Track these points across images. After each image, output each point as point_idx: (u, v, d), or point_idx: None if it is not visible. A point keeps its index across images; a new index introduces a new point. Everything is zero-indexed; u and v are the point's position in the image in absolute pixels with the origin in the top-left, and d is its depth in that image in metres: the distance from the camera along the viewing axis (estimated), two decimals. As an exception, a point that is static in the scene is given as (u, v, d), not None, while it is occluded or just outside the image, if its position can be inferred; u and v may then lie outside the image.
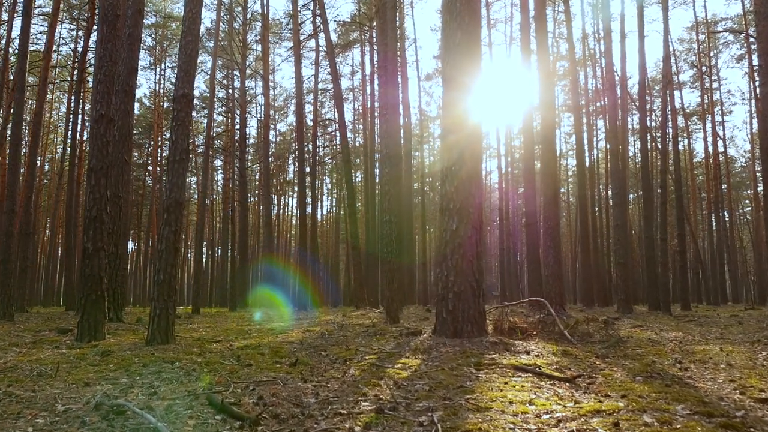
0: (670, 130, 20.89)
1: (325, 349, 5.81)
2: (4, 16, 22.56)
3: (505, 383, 3.48)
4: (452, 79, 5.37)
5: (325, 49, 26.14)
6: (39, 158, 36.14)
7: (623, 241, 14.58)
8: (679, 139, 41.17)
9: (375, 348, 5.37)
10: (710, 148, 34.47)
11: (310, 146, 28.99)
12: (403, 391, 3.26)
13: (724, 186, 34.51)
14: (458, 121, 5.37)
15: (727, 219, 34.89)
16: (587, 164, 28.05)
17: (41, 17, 27.24)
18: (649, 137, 22.69)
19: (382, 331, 8.33)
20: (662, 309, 16.31)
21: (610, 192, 33.23)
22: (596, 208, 30.80)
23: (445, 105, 5.55)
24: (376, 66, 27.12)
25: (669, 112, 20.52)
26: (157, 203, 39.54)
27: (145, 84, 73.25)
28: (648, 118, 24.49)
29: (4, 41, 20.21)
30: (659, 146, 26.84)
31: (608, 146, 31.07)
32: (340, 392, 3.26)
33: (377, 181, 28.65)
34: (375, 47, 25.99)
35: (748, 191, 48.70)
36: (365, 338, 7.38)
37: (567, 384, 3.53)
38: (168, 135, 41.18)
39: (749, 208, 49.50)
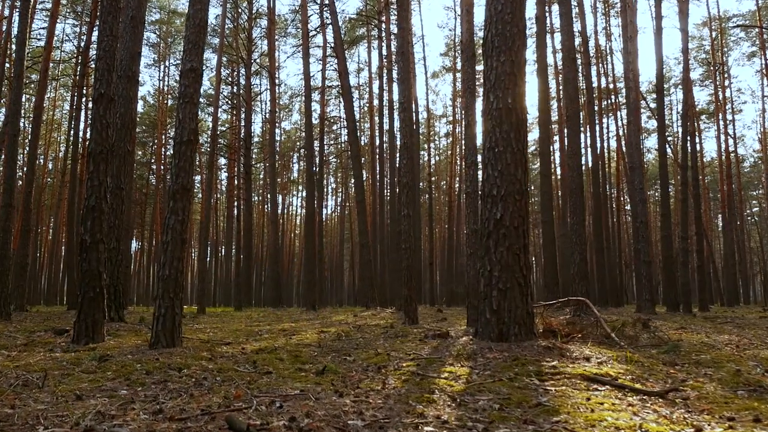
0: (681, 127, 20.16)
1: (349, 354, 5.20)
2: (6, 13, 22.07)
3: (588, 399, 2.85)
4: (499, 49, 4.75)
5: (332, 44, 25.59)
6: (42, 156, 35.79)
7: (648, 238, 13.92)
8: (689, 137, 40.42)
9: (409, 353, 4.75)
10: (722, 147, 33.73)
11: (316, 143, 28.39)
12: (468, 411, 2.63)
13: (733, 186, 33.80)
14: (504, 97, 4.75)
15: (737, 219, 34.17)
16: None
17: (45, 12, 26.75)
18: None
19: (403, 333, 7.73)
20: (683, 310, 15.65)
21: (617, 191, 32.55)
22: (608, 208, 30.11)
23: (488, 78, 4.93)
24: (384, 60, 26.53)
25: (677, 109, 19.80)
26: (161, 202, 39.04)
27: (149, 81, 72.71)
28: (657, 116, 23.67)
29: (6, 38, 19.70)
30: (669, 145, 26.16)
31: (624, 144, 30.35)
32: (388, 410, 2.64)
33: (386, 180, 28.06)
34: (383, 41, 25.41)
35: (756, 191, 48.05)
36: (388, 340, 6.78)
37: (660, 400, 2.90)
38: (173, 133, 40.70)
39: (756, 209, 48.87)
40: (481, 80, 5.13)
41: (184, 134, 5.05)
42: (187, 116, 5.08)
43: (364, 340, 6.93)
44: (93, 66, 21.97)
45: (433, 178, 45.57)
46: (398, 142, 26.35)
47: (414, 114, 26.54)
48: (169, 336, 4.83)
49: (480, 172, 4.91)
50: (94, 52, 21.52)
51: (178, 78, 38.42)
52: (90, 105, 26.18)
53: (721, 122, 34.23)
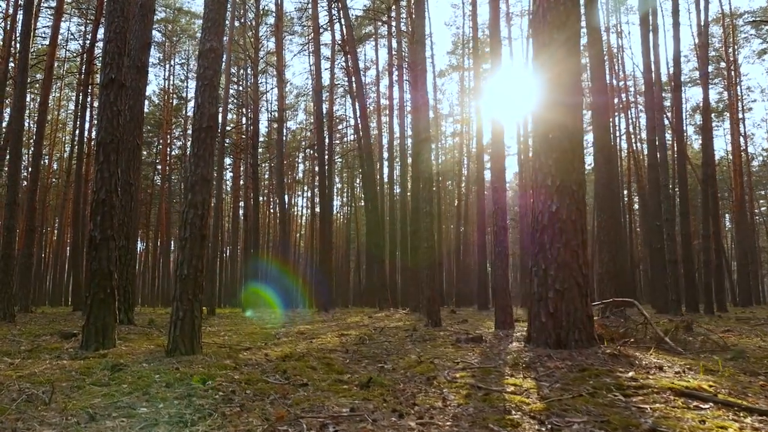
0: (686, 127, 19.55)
1: (384, 360, 4.74)
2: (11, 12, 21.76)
3: (702, 422, 2.38)
4: (551, 24, 4.28)
5: (340, 42, 25.15)
6: (47, 157, 35.50)
7: (673, 236, 13.39)
8: (697, 136, 39.98)
9: (456, 361, 4.27)
10: (731, 146, 33.25)
11: (326, 141, 27.94)
12: (568, 438, 2.16)
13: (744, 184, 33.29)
14: (559, 81, 4.28)
15: (747, 218, 33.66)
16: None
17: (50, 11, 26.46)
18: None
19: (430, 336, 7.27)
20: (704, 310, 15.15)
21: (627, 190, 32.01)
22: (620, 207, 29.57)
23: (543, 59, 4.45)
24: (394, 57, 26.07)
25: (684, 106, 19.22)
26: (166, 202, 38.72)
27: (154, 81, 72.19)
28: (667, 114, 23.06)
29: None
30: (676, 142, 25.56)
31: (635, 141, 29.81)
32: (468, 437, 2.17)
33: (395, 179, 27.57)
34: (394, 37, 24.95)
35: (765, 191, 47.50)
36: (417, 345, 6.32)
37: (785, 422, 2.42)
38: (177, 133, 40.28)
39: (765, 208, 48.38)
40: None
41: (203, 120, 4.60)
42: (206, 100, 4.63)
43: (390, 344, 6.48)
44: (98, 65, 21.60)
45: (439, 178, 45.07)
46: (408, 141, 25.91)
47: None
48: (188, 342, 4.37)
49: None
50: (100, 51, 21.15)
51: (182, 77, 37.47)
52: (95, 104, 25.78)
53: (731, 121, 33.77)
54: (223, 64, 23.11)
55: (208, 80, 4.67)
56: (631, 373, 3.44)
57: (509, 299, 8.20)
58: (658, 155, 14.10)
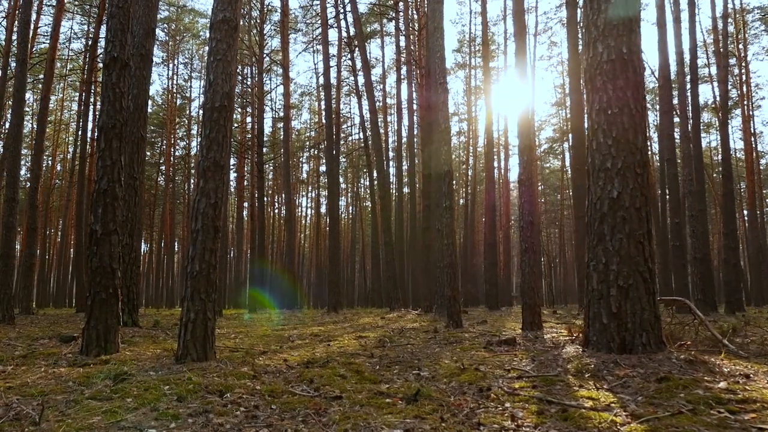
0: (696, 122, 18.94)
1: (416, 366, 4.24)
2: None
3: None
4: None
5: (346, 39, 24.68)
6: (50, 158, 35.16)
7: (698, 233, 12.84)
8: (704, 135, 39.42)
9: (506, 368, 3.76)
10: (744, 143, 32.70)
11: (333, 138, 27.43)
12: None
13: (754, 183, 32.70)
14: (617, 47, 3.78)
15: (758, 216, 33.06)
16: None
17: (50, 7, 26.09)
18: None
19: (456, 339, 6.78)
20: (726, 311, 14.70)
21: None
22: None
23: (595, 24, 3.95)
24: (402, 53, 25.60)
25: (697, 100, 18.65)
26: (170, 203, 38.31)
27: (157, 81, 71.78)
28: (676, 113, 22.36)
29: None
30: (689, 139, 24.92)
31: (654, 138, 29.19)
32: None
33: (403, 177, 27.05)
34: (402, 31, 24.47)
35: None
36: (445, 348, 5.84)
37: None
38: (181, 133, 39.91)
39: (772, 205, 47.98)
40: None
41: (216, 99, 4.11)
42: (219, 77, 4.14)
43: (414, 347, 5.99)
44: (101, 63, 21.17)
45: (445, 177, 44.31)
46: (415, 140, 25.40)
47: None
48: (200, 347, 3.88)
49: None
50: (102, 51, 20.77)
51: (186, 76, 36.98)
52: (98, 104, 25.46)
53: (740, 118, 33.24)
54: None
55: (221, 55, 4.18)
56: (722, 384, 2.93)
57: (537, 298, 7.70)
58: (679, 151, 13.55)
